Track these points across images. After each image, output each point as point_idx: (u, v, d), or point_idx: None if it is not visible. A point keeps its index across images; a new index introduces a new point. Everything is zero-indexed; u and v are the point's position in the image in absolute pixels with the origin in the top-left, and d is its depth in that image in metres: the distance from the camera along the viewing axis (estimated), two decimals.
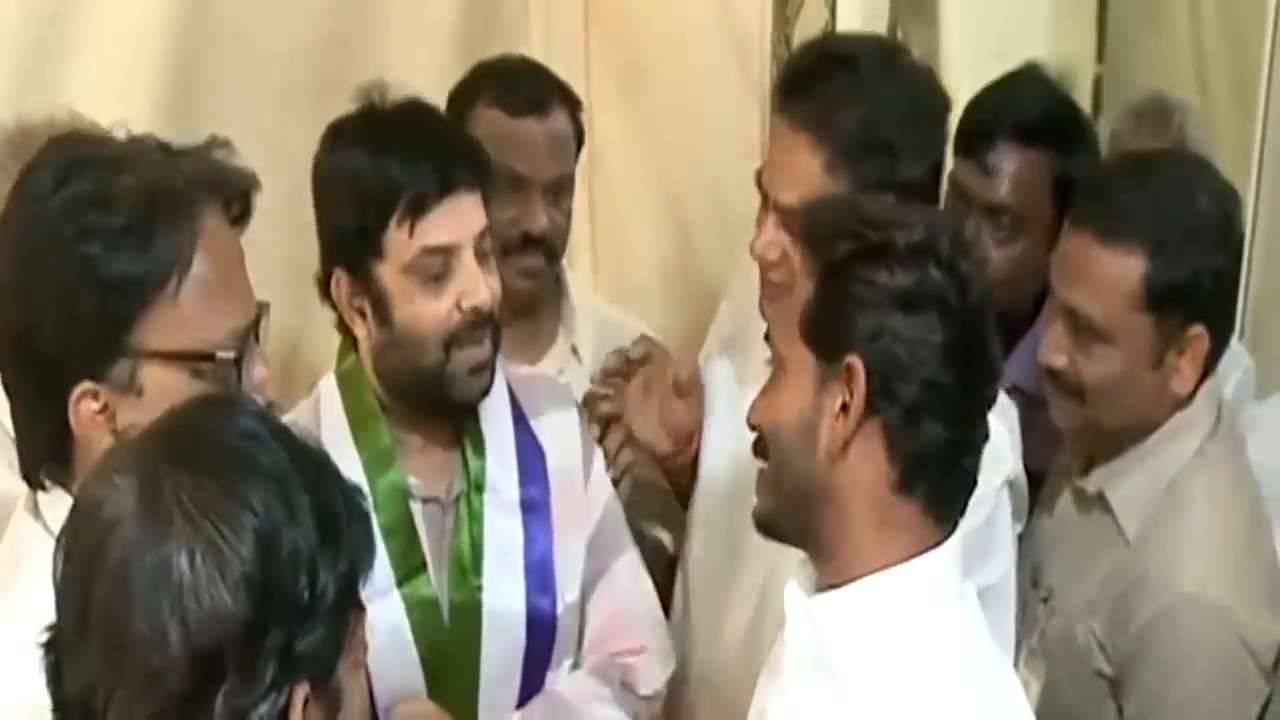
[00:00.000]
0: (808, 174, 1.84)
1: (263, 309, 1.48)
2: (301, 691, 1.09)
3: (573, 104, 2.35)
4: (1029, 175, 2.31)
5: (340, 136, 1.88)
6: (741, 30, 2.69)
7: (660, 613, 2.13)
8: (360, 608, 1.19)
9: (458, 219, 1.83)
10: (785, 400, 1.44)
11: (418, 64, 2.50)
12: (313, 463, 1.16)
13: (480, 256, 1.86)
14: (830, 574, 1.44)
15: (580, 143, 2.36)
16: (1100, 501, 1.94)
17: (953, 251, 1.40)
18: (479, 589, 1.93)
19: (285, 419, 1.89)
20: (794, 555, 1.52)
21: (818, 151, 1.83)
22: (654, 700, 2.07)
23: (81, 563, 1.09)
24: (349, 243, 1.86)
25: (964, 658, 1.43)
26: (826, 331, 1.41)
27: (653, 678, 2.07)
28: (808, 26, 2.81)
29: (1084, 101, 3.30)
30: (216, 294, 1.40)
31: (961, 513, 1.45)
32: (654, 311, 2.64)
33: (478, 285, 1.85)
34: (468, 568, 1.93)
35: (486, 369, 1.90)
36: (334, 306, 1.91)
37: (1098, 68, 3.54)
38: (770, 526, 1.50)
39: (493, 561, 1.94)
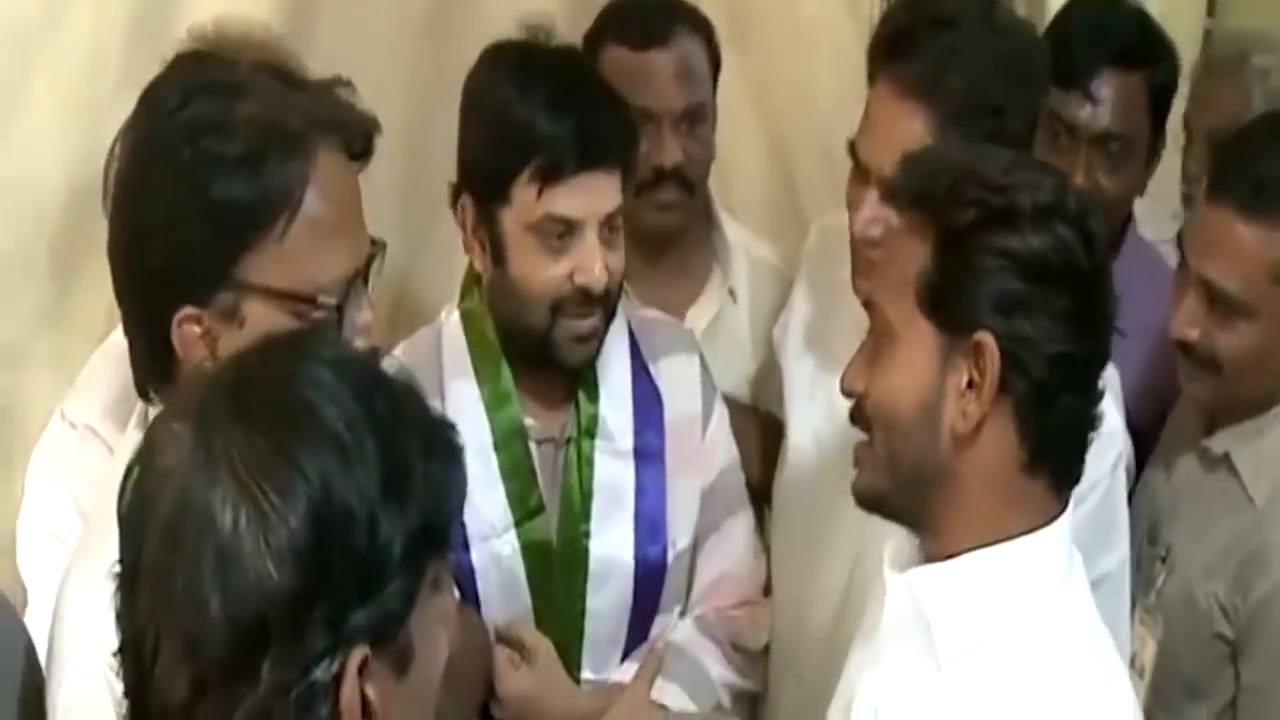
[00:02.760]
0: (918, 142, 1.74)
1: (377, 248, 1.46)
2: (358, 656, 1.02)
3: (704, 30, 2.28)
4: (1132, 99, 2.33)
5: (497, 62, 1.85)
6: None
7: (765, 574, 2.10)
8: (443, 556, 1.11)
9: (589, 197, 1.81)
10: (899, 375, 1.37)
11: (526, 4, 2.48)
12: (390, 408, 1.07)
13: (607, 235, 1.83)
14: (937, 548, 1.39)
15: (717, 67, 2.29)
16: (1226, 463, 1.92)
17: (1079, 208, 1.34)
18: (586, 535, 1.93)
19: (400, 346, 1.94)
20: (882, 541, 1.47)
21: (927, 118, 1.75)
22: (757, 656, 2.06)
23: (137, 509, 1.05)
24: (479, 177, 1.84)
25: (1071, 638, 1.39)
26: (951, 304, 1.33)
27: (758, 632, 2.06)
28: None
29: (1194, 55, 3.26)
30: (325, 235, 1.39)
31: (1079, 480, 1.40)
32: None
33: (593, 264, 1.82)
34: (577, 513, 1.93)
35: (593, 339, 1.88)
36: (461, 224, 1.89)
37: (1208, 21, 3.48)
38: (875, 504, 1.43)
39: (602, 508, 1.94)
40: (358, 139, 1.43)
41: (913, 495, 1.39)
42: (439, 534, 1.10)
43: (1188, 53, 3.20)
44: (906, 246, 1.37)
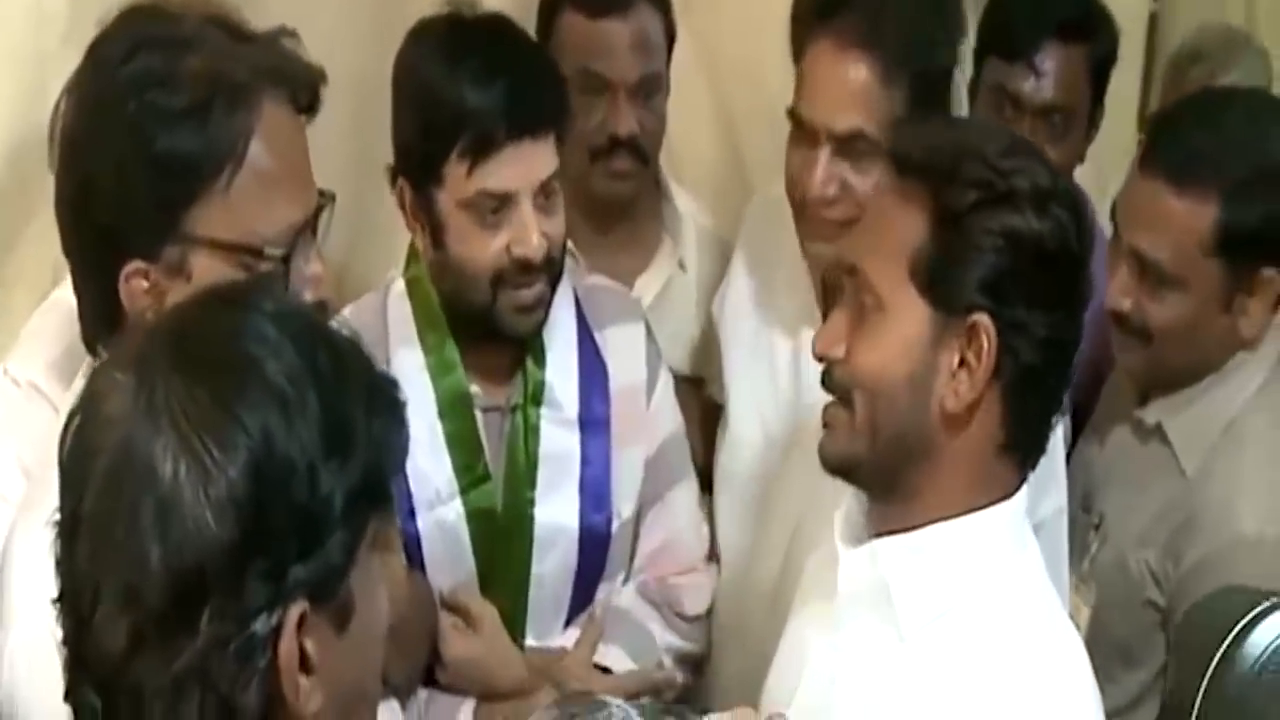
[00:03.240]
0: (865, 91, 1.80)
1: (325, 200, 1.45)
2: (296, 610, 1.01)
3: (660, 1, 2.29)
4: (1074, 71, 2.39)
5: (422, 39, 1.85)
6: None
7: (708, 542, 2.13)
8: (384, 513, 1.11)
9: (521, 167, 1.80)
10: (887, 346, 1.37)
11: None
12: (333, 363, 1.07)
13: (543, 203, 1.82)
14: (899, 519, 1.40)
15: (672, 39, 2.30)
16: (1158, 433, 1.94)
17: (1072, 195, 1.36)
18: (531, 503, 1.93)
19: (346, 310, 1.93)
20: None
21: (871, 65, 1.79)
22: (699, 621, 2.08)
23: (77, 459, 1.04)
24: (412, 159, 1.84)
25: (1029, 608, 1.41)
26: (948, 283, 1.33)
27: (700, 599, 2.07)
28: None
29: (1139, 38, 3.31)
30: (271, 187, 1.38)
31: (1037, 461, 1.43)
32: None
33: (529, 235, 1.80)
34: (522, 480, 1.93)
35: (538, 307, 1.87)
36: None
37: (1153, 5, 3.53)
38: (846, 469, 1.43)
39: (547, 476, 1.94)
40: (304, 90, 1.42)
41: (889, 464, 1.40)
42: (380, 490, 1.09)
43: (1134, 35, 3.27)
44: (901, 216, 1.38)
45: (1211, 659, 1.67)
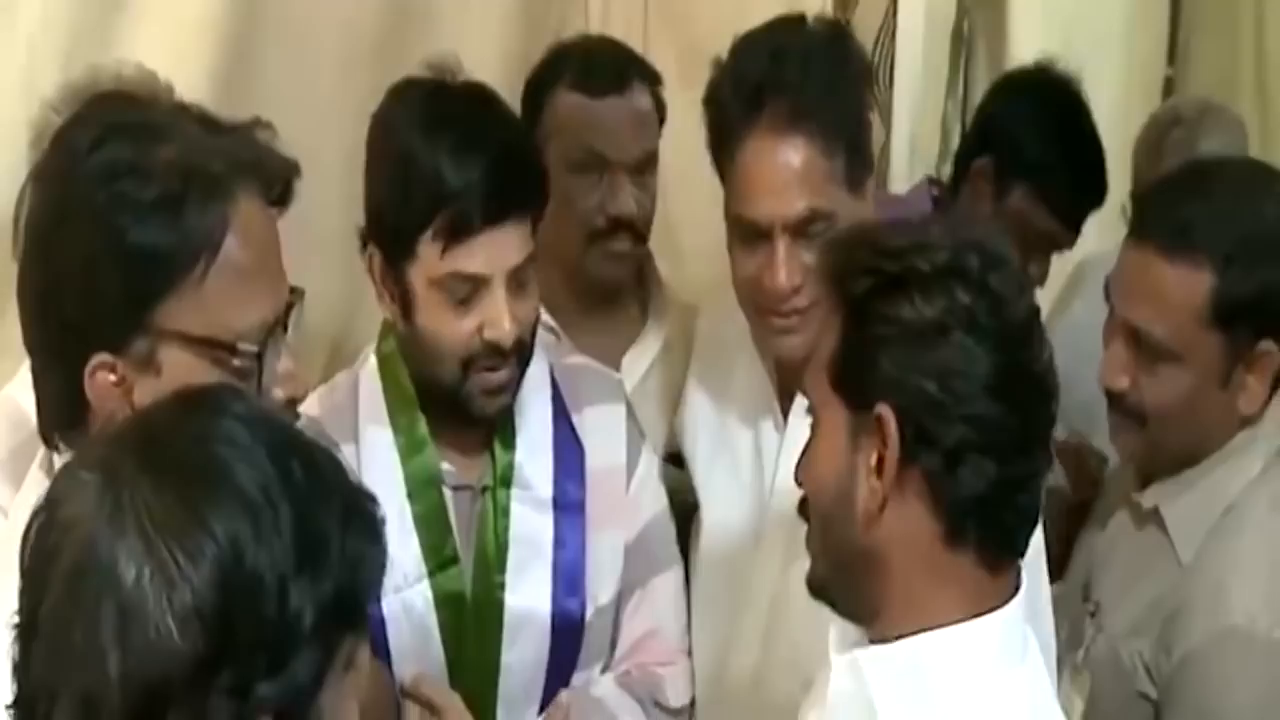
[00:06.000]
0: (809, 169, 1.76)
1: (296, 296, 1.43)
2: None
3: (653, 80, 2.27)
4: None
5: (401, 104, 1.80)
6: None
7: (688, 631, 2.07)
8: (357, 633, 1.09)
9: (496, 252, 1.75)
10: (820, 460, 1.34)
11: (475, 33, 2.46)
12: (307, 473, 1.05)
13: (516, 286, 1.78)
14: (879, 631, 1.34)
15: (662, 119, 2.28)
16: (1155, 518, 1.88)
17: (983, 268, 1.29)
18: (502, 587, 1.88)
19: (319, 391, 1.91)
20: (799, 598, 1.43)
21: (810, 140, 1.76)
22: (681, 714, 2.01)
23: (39, 559, 1.02)
24: (385, 230, 1.80)
25: None
26: (853, 378, 1.30)
27: (682, 690, 2.01)
28: (868, 13, 2.74)
29: (1155, 101, 3.29)
30: (245, 281, 1.36)
31: (1022, 553, 1.35)
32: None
33: (501, 320, 1.76)
34: (492, 564, 1.88)
35: (506, 390, 1.83)
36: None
37: (1169, 69, 3.52)
38: (820, 591, 1.40)
39: (518, 560, 1.89)
40: (278, 183, 1.41)
41: (846, 582, 1.35)
42: (353, 609, 1.07)
43: (1150, 100, 3.25)
44: (825, 326, 1.35)
45: None
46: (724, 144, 1.82)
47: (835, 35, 1.89)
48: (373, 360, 1.93)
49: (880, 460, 1.28)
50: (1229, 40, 3.52)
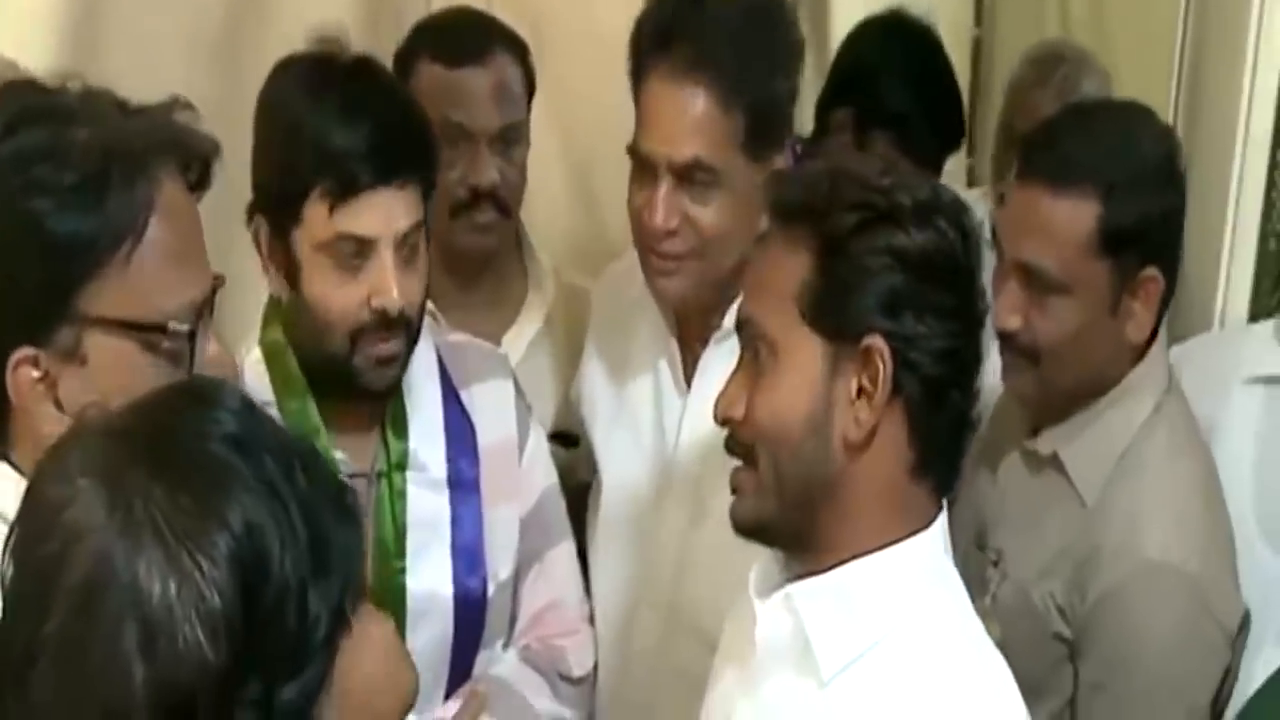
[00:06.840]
0: (703, 119, 1.79)
1: (219, 281, 1.39)
2: None
3: (519, 49, 2.27)
4: None
5: (288, 74, 1.77)
6: None
7: (588, 602, 2.07)
8: (348, 629, 1.05)
9: (384, 213, 1.71)
10: (784, 392, 1.35)
11: (324, 15, 2.37)
12: (304, 466, 1.02)
13: (405, 255, 1.74)
14: (813, 563, 1.37)
15: (532, 89, 2.28)
16: (1054, 463, 1.90)
17: (955, 207, 1.35)
18: (402, 571, 1.85)
19: None
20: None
21: (709, 91, 1.79)
22: (585, 682, 2.02)
23: (37, 575, 0.96)
24: (271, 195, 1.75)
25: (952, 637, 1.38)
26: (837, 310, 1.32)
27: (584, 659, 2.02)
28: None
29: (965, 62, 3.39)
30: (173, 262, 1.32)
31: (955, 483, 1.40)
32: None
33: (389, 286, 1.72)
34: (391, 550, 1.85)
35: (394, 361, 1.79)
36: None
37: (976, 30, 3.65)
38: (759, 529, 1.41)
39: (417, 543, 1.86)
40: (197, 163, 1.36)
41: (801, 514, 1.37)
42: (351, 606, 1.04)
43: (960, 60, 3.34)
44: (785, 261, 1.37)
45: None
46: (636, 78, 1.86)
47: (767, 5, 1.89)
48: (256, 352, 1.87)
49: (862, 390, 1.31)
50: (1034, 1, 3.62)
